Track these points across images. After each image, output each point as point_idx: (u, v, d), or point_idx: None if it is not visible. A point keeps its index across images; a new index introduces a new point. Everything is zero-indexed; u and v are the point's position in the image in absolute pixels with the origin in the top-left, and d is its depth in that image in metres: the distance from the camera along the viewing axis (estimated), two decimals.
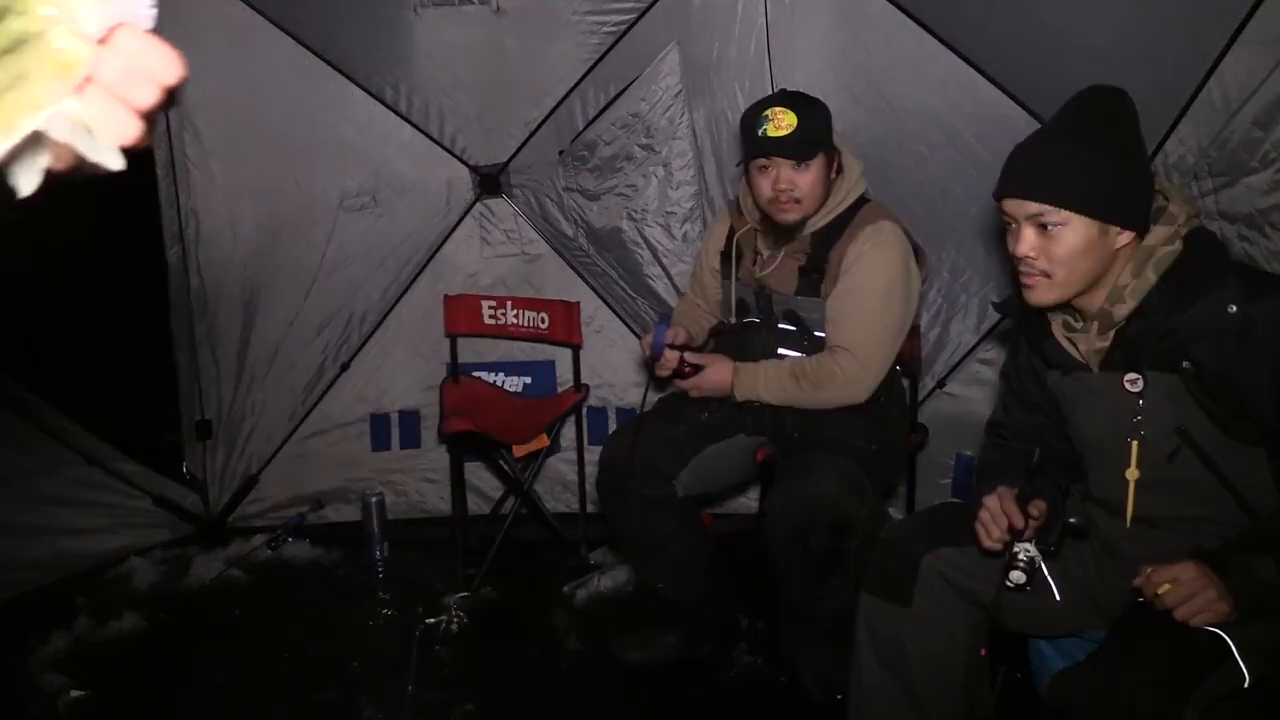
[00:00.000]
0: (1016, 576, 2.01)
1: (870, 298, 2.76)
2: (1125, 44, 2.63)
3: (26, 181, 0.61)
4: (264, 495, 4.08)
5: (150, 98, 0.62)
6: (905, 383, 3.16)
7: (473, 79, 3.68)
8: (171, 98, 0.66)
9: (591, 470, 3.60)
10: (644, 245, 3.74)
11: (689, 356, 2.89)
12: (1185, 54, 2.57)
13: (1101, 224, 1.89)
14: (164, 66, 0.62)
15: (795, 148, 2.68)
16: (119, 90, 0.61)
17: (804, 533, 2.62)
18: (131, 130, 0.65)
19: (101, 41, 0.60)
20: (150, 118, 0.65)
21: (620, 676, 3.06)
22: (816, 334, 2.85)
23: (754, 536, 2.93)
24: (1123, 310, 1.94)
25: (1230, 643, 1.75)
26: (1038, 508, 2.05)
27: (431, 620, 3.34)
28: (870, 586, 2.27)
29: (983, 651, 2.25)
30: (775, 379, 2.81)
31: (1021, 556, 2.02)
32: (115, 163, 0.62)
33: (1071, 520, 2.08)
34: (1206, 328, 1.85)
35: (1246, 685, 1.74)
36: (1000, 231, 2.18)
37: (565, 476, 4.01)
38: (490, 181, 3.93)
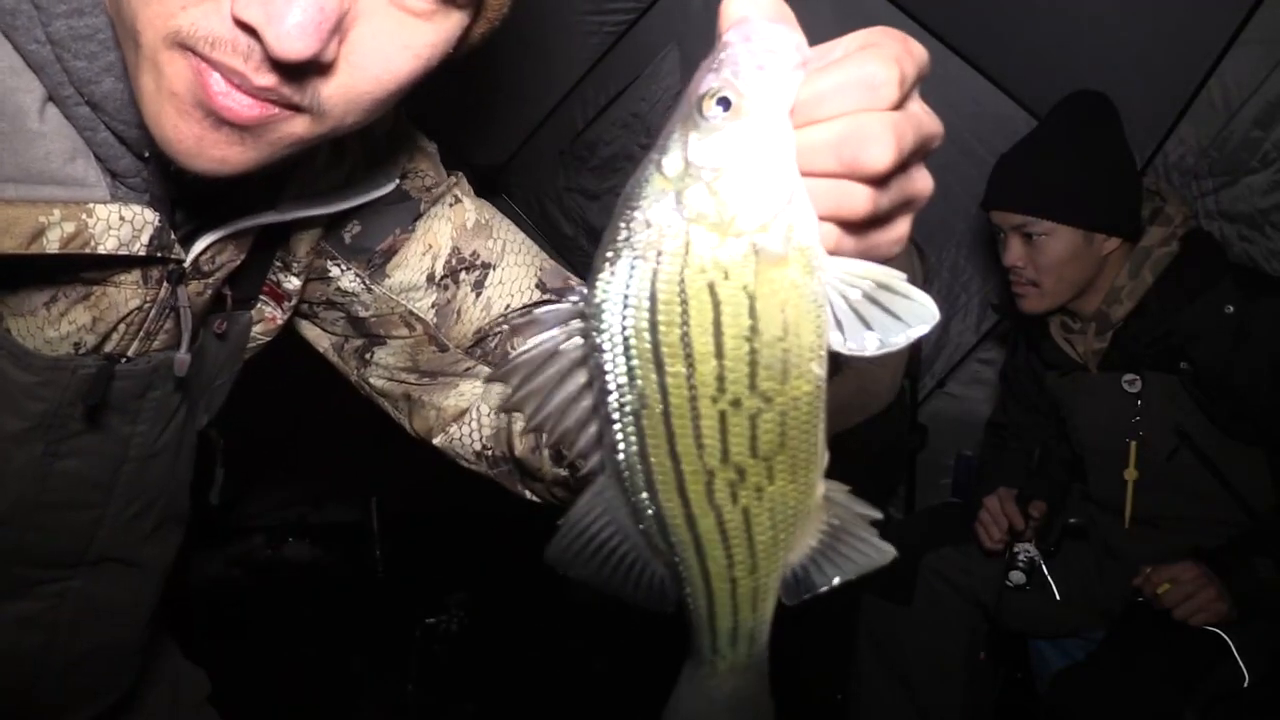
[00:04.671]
0: (1016, 577, 2.02)
1: None
2: (1125, 44, 2.63)
3: None
4: (264, 495, 4.08)
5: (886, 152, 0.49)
6: (905, 383, 3.16)
7: (473, 79, 3.68)
8: None
9: None
10: None
11: None
12: (1185, 54, 2.57)
13: (1086, 232, 1.90)
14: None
15: None
16: None
17: None
18: None
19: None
20: None
21: (620, 676, 3.06)
22: None
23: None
24: (1120, 311, 1.95)
25: (1230, 643, 1.75)
26: (1038, 509, 2.05)
27: (431, 620, 3.34)
28: (870, 586, 2.27)
29: (982, 656, 2.26)
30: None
31: (1021, 557, 2.02)
32: (927, 302, 0.50)
33: (1072, 520, 2.08)
34: (1204, 328, 1.85)
35: (1246, 685, 1.74)
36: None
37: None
38: (490, 181, 3.92)
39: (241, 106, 0.62)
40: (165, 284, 0.80)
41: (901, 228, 0.58)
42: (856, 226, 0.52)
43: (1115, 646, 1.90)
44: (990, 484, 2.18)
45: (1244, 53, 2.45)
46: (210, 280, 0.85)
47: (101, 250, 0.72)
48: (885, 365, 2.78)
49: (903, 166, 0.52)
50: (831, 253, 0.50)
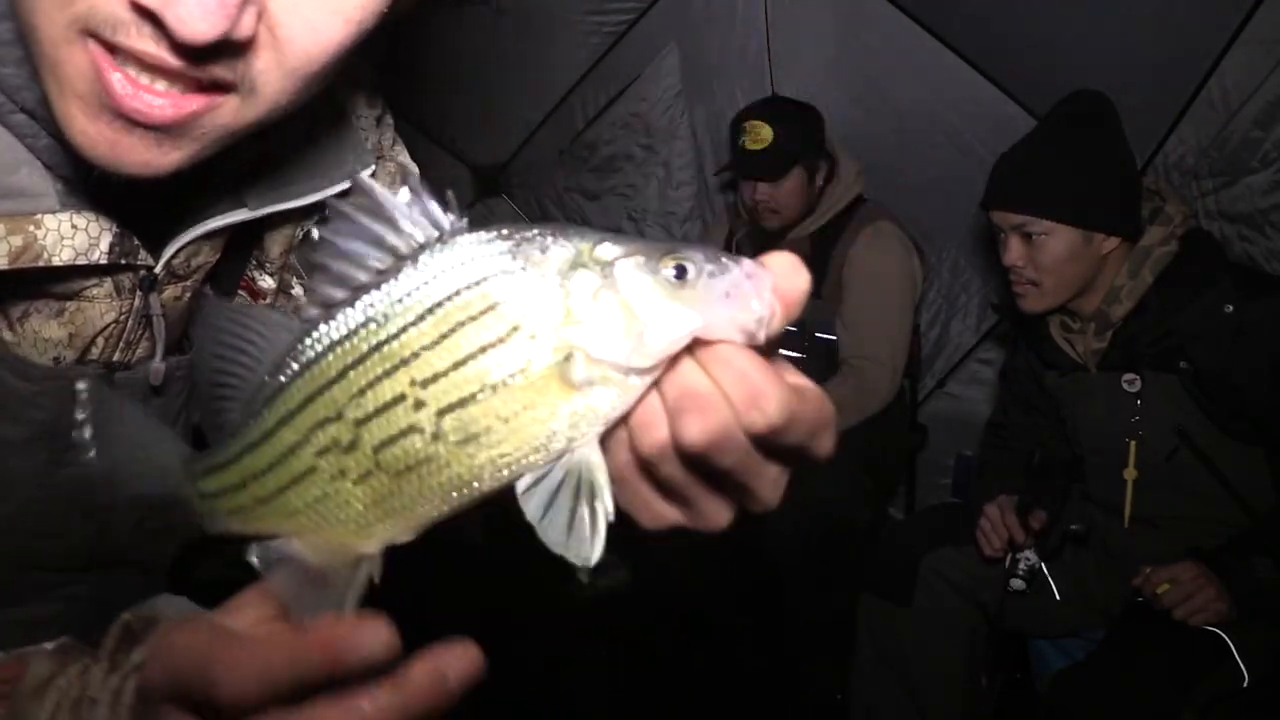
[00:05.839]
0: (1017, 584, 2.03)
1: (882, 303, 2.77)
2: (1125, 44, 2.63)
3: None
4: None
5: (698, 433, 0.45)
6: (905, 383, 3.16)
7: (473, 79, 3.68)
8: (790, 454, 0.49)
9: None
10: None
11: None
12: (1185, 54, 2.57)
13: (1085, 231, 1.91)
14: (748, 403, 0.45)
15: (765, 166, 2.70)
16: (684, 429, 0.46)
17: (804, 533, 2.62)
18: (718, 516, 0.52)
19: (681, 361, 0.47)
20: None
21: (620, 676, 3.06)
22: (818, 335, 2.85)
23: (754, 537, 2.93)
24: (1119, 311, 1.95)
25: (1229, 643, 1.75)
26: (1038, 520, 2.05)
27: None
28: (870, 586, 2.27)
29: (984, 681, 2.26)
30: None
31: (1022, 565, 2.03)
32: (594, 550, 0.48)
33: (1073, 527, 2.09)
34: (1203, 328, 1.85)
35: (1246, 685, 1.74)
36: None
37: None
38: (490, 181, 3.93)
39: (152, 107, 0.56)
40: (139, 292, 0.77)
41: (667, 513, 0.53)
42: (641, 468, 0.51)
43: (1115, 646, 1.90)
44: (990, 485, 2.18)
45: (1244, 53, 2.45)
46: (188, 283, 0.82)
47: (57, 262, 0.68)
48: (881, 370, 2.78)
49: (715, 473, 0.49)
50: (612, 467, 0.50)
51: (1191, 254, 1.92)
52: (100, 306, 0.76)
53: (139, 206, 0.74)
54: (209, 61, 0.56)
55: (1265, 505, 1.92)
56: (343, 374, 0.49)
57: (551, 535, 0.48)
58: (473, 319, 0.47)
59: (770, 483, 0.52)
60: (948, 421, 3.50)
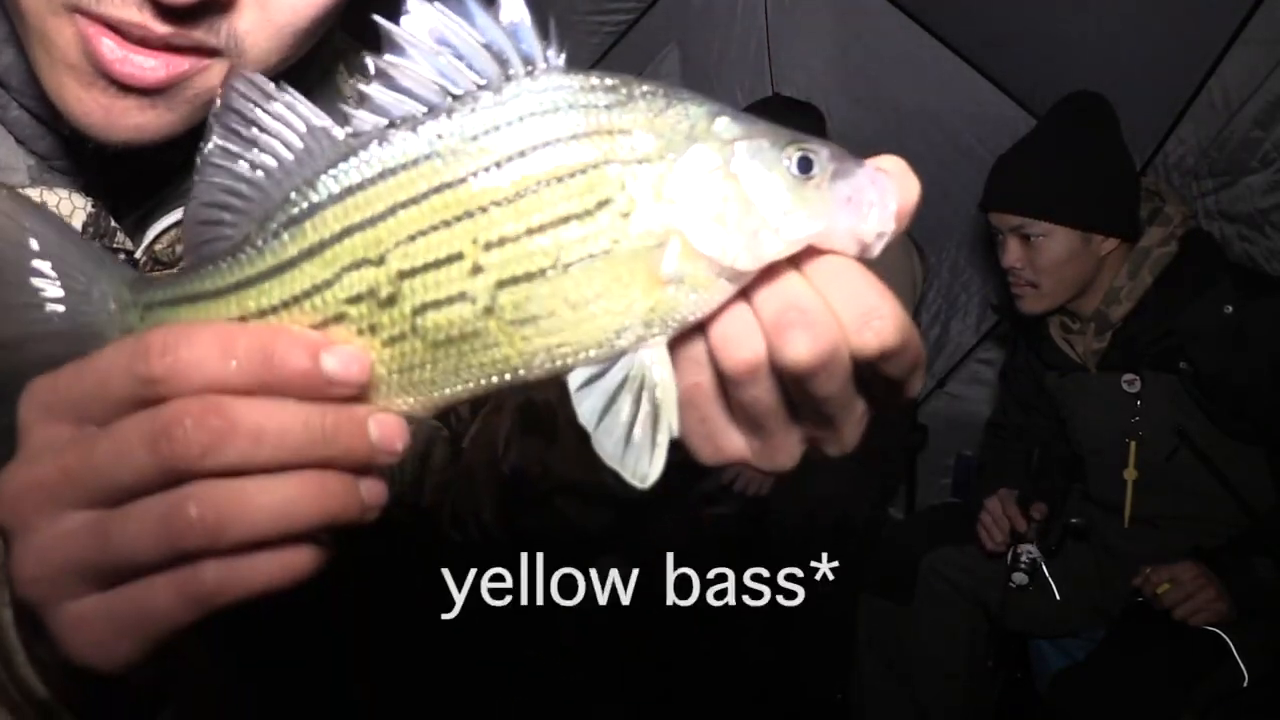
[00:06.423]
0: (1019, 579, 2.03)
1: None
2: (1125, 44, 2.63)
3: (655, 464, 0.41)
4: None
5: (806, 351, 0.40)
6: None
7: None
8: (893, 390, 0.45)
9: None
10: None
11: None
12: (1185, 54, 2.57)
13: (1084, 232, 1.91)
14: (861, 322, 0.41)
15: None
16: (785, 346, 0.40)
17: (804, 532, 2.62)
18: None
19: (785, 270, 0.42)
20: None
21: (620, 676, 3.06)
22: None
23: (754, 536, 2.93)
24: (1119, 311, 1.95)
25: (1229, 642, 1.75)
26: (1039, 510, 2.05)
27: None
28: (870, 586, 2.27)
29: (984, 661, 2.26)
30: None
31: (1024, 559, 2.03)
32: (654, 467, 0.41)
33: (1073, 521, 2.08)
34: (1203, 328, 1.85)
35: (1245, 685, 1.74)
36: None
37: None
38: None
39: (144, 70, 0.55)
40: None
41: (734, 444, 0.48)
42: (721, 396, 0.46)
43: (1115, 646, 1.90)
44: (990, 484, 2.18)
45: (1244, 53, 2.45)
46: (174, 271, 0.78)
47: None
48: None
49: (814, 394, 0.43)
50: (685, 392, 0.44)
51: (1191, 254, 1.92)
52: None
53: (120, 186, 0.72)
54: (192, 23, 0.55)
55: (1265, 505, 1.92)
56: (392, 210, 0.40)
57: (607, 445, 0.41)
58: (559, 180, 0.40)
59: (857, 419, 0.48)
60: (948, 421, 3.50)
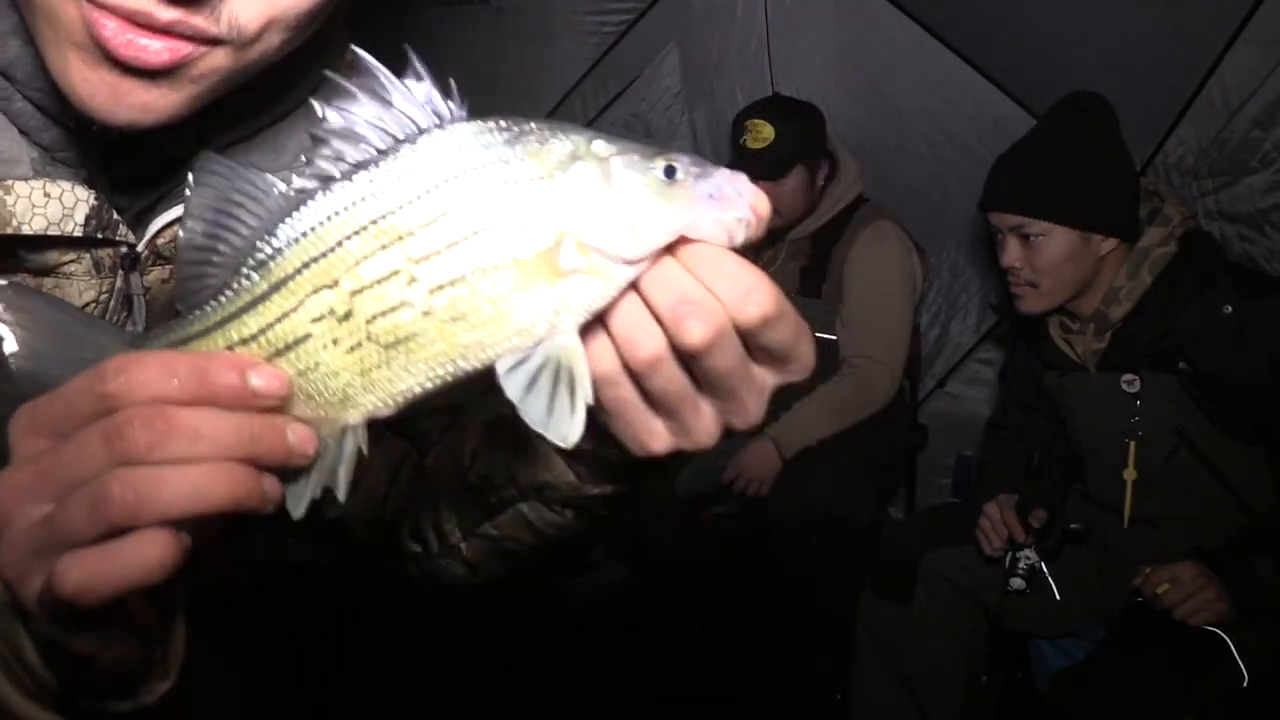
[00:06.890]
0: (1017, 583, 2.03)
1: (882, 303, 2.78)
2: (1125, 44, 2.63)
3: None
4: None
5: (701, 334, 0.49)
6: (905, 383, 3.16)
7: (472, 79, 3.68)
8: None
9: None
10: None
11: None
12: (1185, 54, 2.57)
13: (1083, 232, 1.91)
14: (741, 299, 0.49)
15: (766, 165, 2.69)
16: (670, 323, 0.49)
17: (804, 532, 2.62)
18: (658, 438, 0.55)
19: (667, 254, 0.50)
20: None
21: (619, 677, 3.06)
22: (818, 334, 2.85)
23: (754, 536, 2.93)
24: (1119, 311, 1.95)
25: (1229, 642, 1.75)
26: (1038, 518, 2.06)
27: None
28: (870, 586, 2.27)
29: (984, 679, 2.26)
30: (823, 423, 2.75)
31: (1022, 564, 2.04)
32: (574, 429, 0.50)
33: (1073, 526, 2.09)
34: (1202, 328, 1.85)
35: (1245, 685, 1.75)
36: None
37: None
38: None
39: (149, 51, 0.56)
40: (120, 271, 0.74)
41: (656, 431, 0.56)
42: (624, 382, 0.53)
43: (1115, 646, 1.91)
44: (990, 485, 2.18)
45: (1244, 53, 2.45)
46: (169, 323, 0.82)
47: (27, 230, 0.66)
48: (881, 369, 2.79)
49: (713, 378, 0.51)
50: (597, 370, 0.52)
51: (1191, 254, 1.93)
52: (79, 284, 0.73)
53: (122, 180, 0.72)
54: (197, 10, 0.56)
55: (1265, 505, 1.92)
56: (340, 243, 0.50)
57: (533, 415, 0.49)
58: (469, 203, 0.49)
59: (757, 391, 0.54)
60: (948, 421, 3.50)
